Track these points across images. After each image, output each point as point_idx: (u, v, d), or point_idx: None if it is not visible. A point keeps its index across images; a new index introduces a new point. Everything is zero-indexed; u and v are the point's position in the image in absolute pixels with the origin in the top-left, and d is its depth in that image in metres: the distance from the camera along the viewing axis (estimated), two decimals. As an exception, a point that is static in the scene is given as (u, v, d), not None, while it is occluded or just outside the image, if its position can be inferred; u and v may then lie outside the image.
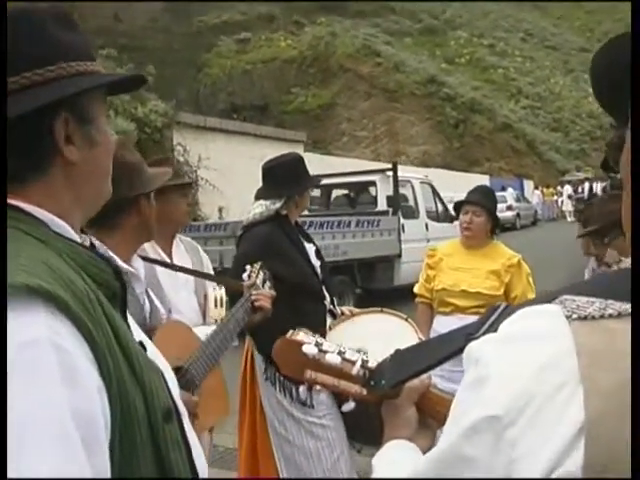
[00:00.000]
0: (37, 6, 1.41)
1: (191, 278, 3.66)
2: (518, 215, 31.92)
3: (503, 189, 32.35)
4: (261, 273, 3.44)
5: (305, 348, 1.58)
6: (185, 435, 1.44)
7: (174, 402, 1.43)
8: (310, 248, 4.26)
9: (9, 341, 1.15)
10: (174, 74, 37.63)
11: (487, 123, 43.56)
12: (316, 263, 4.22)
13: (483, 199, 5.12)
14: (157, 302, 3.04)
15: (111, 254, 2.49)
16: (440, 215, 15.45)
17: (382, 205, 14.38)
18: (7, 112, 1.31)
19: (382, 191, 14.51)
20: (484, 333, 1.32)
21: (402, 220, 14.08)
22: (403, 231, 13.94)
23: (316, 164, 16.09)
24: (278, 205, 4.11)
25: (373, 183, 14.88)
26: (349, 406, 1.60)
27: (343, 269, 12.54)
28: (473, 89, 46.21)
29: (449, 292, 5.08)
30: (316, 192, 14.71)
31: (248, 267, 3.45)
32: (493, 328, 1.31)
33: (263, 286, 3.41)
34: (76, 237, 1.39)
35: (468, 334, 1.36)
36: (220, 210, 18.55)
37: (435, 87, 43.84)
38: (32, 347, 1.15)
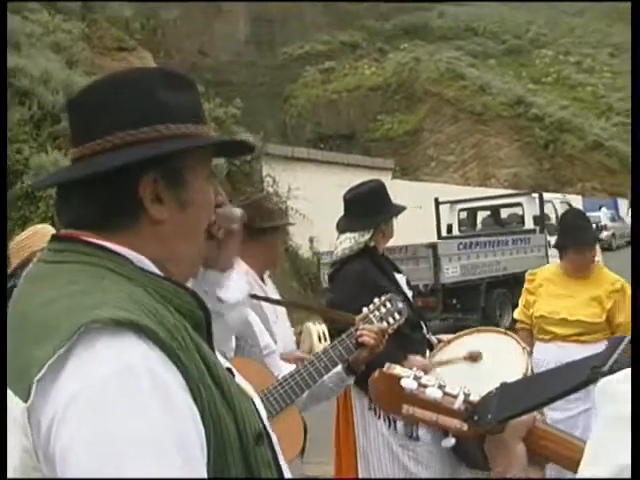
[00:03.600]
0: (150, 68, 1.45)
1: (284, 312, 3.66)
2: (613, 235, 31.21)
3: (598, 209, 31.67)
4: (384, 306, 3.23)
5: (404, 382, 1.55)
6: (277, 459, 1.43)
7: (265, 427, 1.43)
8: (401, 278, 4.19)
9: (100, 370, 1.15)
10: (260, 106, 38.16)
11: (578, 142, 42.75)
12: (408, 293, 4.15)
13: (590, 235, 5.05)
14: (260, 339, 3.04)
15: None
16: None
17: (529, 224, 16.60)
18: (93, 168, 1.36)
19: (528, 211, 16.57)
20: (612, 366, 1.28)
21: (548, 237, 15.45)
22: (549, 247, 14.77)
23: (405, 191, 16.06)
24: (367, 237, 4.01)
25: (519, 204, 17.08)
26: (449, 442, 1.56)
27: (502, 283, 14.38)
28: (561, 108, 45.46)
29: (548, 320, 4.96)
30: (463, 215, 17.72)
31: (376, 299, 3.29)
32: (620, 361, 1.26)
33: (385, 320, 3.24)
34: (159, 272, 1.40)
35: (594, 367, 1.31)
36: (311, 240, 18.63)
37: (522, 108, 43.33)
38: (126, 373, 1.16)
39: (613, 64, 58.01)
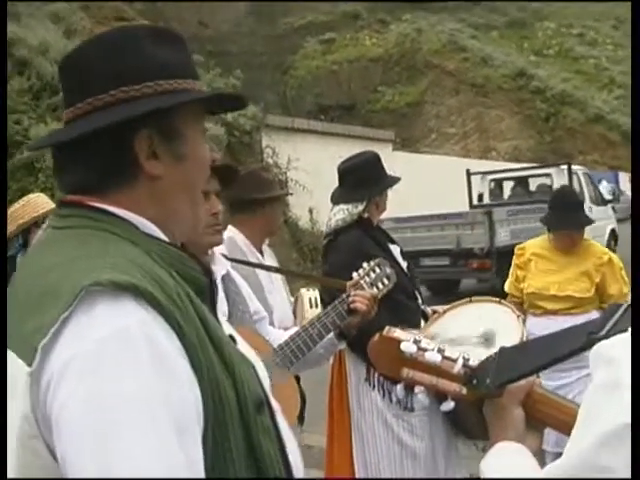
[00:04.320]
0: (136, 25, 1.45)
1: (281, 281, 3.66)
2: (613, 209, 31.19)
3: (598, 182, 31.60)
4: (374, 272, 3.31)
5: (403, 346, 1.55)
6: (278, 427, 1.44)
7: (266, 395, 1.44)
8: (395, 249, 4.19)
9: (97, 333, 1.17)
10: (261, 77, 37.95)
11: (579, 115, 42.55)
12: (403, 264, 4.15)
13: (579, 219, 5.09)
14: (250, 305, 3.04)
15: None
16: (597, 199, 18.58)
17: None
18: (83, 128, 1.36)
19: (557, 182, 16.71)
20: (608, 332, 1.27)
21: None
22: None
23: (405, 163, 16.06)
24: (360, 208, 4.01)
25: (548, 175, 17.97)
26: (448, 405, 1.57)
27: None
28: (563, 81, 45.17)
29: (539, 295, 5.03)
30: (492, 185, 18.74)
31: (365, 264, 3.33)
32: (617, 327, 1.26)
33: (375, 286, 3.28)
34: (165, 238, 1.41)
35: (590, 333, 1.31)
36: (310, 211, 18.61)
37: (524, 80, 43.06)
38: (123, 336, 1.17)
39: (615, 36, 57.63)
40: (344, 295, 3.18)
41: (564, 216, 4.99)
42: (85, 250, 1.30)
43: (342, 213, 4.04)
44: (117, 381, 1.15)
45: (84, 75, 1.40)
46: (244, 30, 45.65)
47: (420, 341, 1.56)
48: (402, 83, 43.39)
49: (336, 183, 4.26)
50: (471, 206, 18.02)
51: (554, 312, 4.98)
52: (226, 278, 3.07)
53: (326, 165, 18.37)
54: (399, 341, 1.57)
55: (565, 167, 17.50)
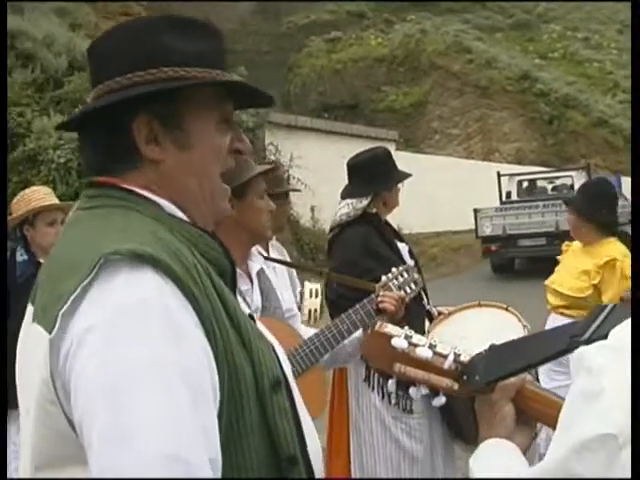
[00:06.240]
0: (163, 15, 1.49)
1: (287, 276, 3.66)
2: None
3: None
4: (402, 276, 3.32)
5: (394, 341, 1.56)
6: (295, 408, 1.44)
7: (285, 375, 1.44)
8: (403, 248, 4.17)
9: (115, 302, 1.20)
10: (265, 75, 37.92)
11: (582, 119, 42.44)
12: (410, 262, 4.13)
13: (572, 198, 5.08)
14: (283, 302, 3.08)
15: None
16: None
17: None
18: (83, 109, 1.44)
19: (577, 180, 19.23)
20: (590, 336, 1.27)
21: None
22: None
23: (408, 163, 16.09)
24: (365, 203, 3.99)
25: (570, 177, 20.82)
26: (440, 400, 1.58)
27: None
28: (567, 84, 45.07)
29: (548, 288, 5.01)
30: (520, 185, 21.58)
31: (394, 269, 3.35)
32: (600, 331, 1.25)
33: (402, 289, 3.30)
34: (186, 219, 1.44)
35: (573, 335, 1.31)
36: (312, 209, 18.62)
37: (528, 83, 42.95)
38: (140, 306, 1.20)
39: (620, 40, 57.49)
40: (373, 295, 3.19)
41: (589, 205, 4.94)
42: (108, 225, 1.33)
43: (347, 208, 4.03)
44: (133, 347, 1.17)
45: (102, 60, 1.46)
46: (249, 29, 45.64)
47: (411, 337, 1.57)
48: (406, 83, 43.32)
49: (339, 181, 4.26)
50: (500, 202, 20.79)
51: (554, 308, 4.96)
52: (261, 273, 3.11)
53: (329, 164, 18.41)
54: (390, 336, 1.57)
55: (584, 171, 20.11)
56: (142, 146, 1.40)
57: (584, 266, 4.91)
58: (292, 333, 3.03)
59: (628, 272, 4.69)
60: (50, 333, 1.22)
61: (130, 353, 1.17)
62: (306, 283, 3.60)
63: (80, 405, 1.18)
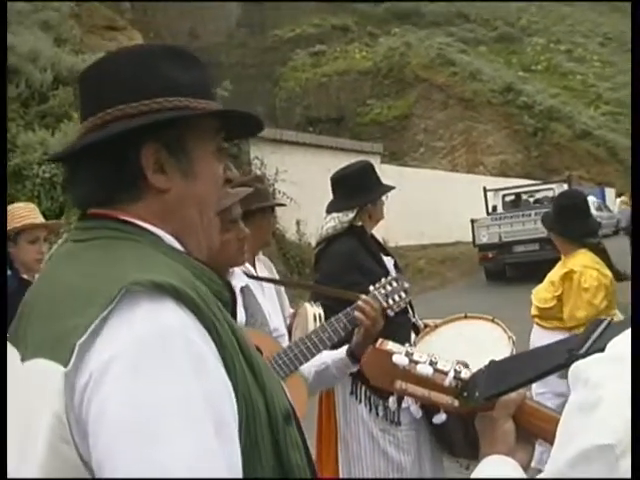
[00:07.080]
0: (156, 44, 1.48)
1: (275, 295, 3.64)
2: (599, 224, 31.34)
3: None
4: (390, 285, 3.23)
5: (395, 358, 1.56)
6: (304, 438, 1.44)
7: (291, 405, 1.44)
8: (389, 261, 4.18)
9: (137, 333, 1.17)
10: (250, 89, 38.02)
11: (566, 131, 42.75)
12: (396, 276, 4.13)
13: (545, 214, 5.15)
14: (270, 321, 3.06)
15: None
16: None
17: None
18: (91, 139, 1.38)
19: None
20: (588, 350, 1.28)
21: None
22: None
23: (394, 176, 16.13)
24: (351, 216, 4.00)
25: (552, 189, 21.66)
26: (440, 418, 1.58)
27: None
28: (551, 96, 45.43)
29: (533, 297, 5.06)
30: (505, 198, 23.08)
31: (383, 279, 3.29)
32: (597, 345, 1.26)
33: (391, 298, 3.22)
34: (184, 251, 1.43)
35: (570, 350, 1.31)
36: (298, 223, 18.61)
37: (512, 95, 43.24)
38: (162, 337, 1.18)
39: (603, 53, 58.00)
40: (358, 302, 3.14)
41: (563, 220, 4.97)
42: (117, 256, 1.31)
43: (333, 221, 4.04)
44: (157, 383, 1.15)
45: (98, 89, 1.43)
46: (235, 42, 45.73)
47: (412, 353, 1.57)
48: (391, 96, 43.51)
49: (324, 195, 4.26)
50: (487, 214, 21.72)
51: (532, 317, 5.01)
52: (245, 290, 3.09)
53: (314, 177, 18.41)
54: (391, 353, 1.57)
55: (565, 184, 20.88)
56: (150, 175, 1.38)
57: (553, 277, 4.95)
58: (274, 344, 3.00)
59: (589, 284, 4.66)
60: (65, 366, 1.18)
61: (154, 389, 1.15)
62: (307, 306, 3.54)
63: (102, 443, 1.15)
